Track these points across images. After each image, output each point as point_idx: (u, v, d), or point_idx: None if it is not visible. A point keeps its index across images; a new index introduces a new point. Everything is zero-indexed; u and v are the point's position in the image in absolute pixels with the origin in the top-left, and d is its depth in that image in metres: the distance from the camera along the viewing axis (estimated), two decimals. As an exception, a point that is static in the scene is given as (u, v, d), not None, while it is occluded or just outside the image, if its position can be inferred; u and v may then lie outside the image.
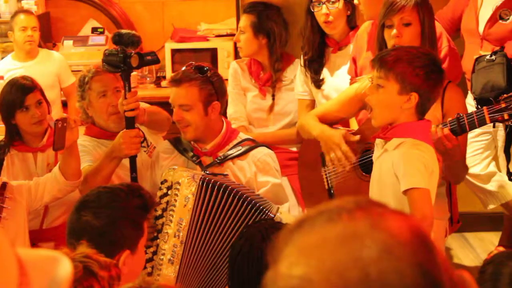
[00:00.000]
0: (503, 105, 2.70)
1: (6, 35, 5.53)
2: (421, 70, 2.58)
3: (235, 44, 5.37)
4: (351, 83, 3.58)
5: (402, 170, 2.57)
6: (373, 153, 2.88)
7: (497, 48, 3.98)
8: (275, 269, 0.88)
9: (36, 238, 3.35)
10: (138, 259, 2.21)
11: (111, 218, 2.18)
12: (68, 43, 5.85)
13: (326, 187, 3.15)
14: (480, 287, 1.54)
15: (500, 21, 4.11)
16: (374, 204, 0.90)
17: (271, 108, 4.23)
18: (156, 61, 3.36)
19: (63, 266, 1.13)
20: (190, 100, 3.22)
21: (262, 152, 3.29)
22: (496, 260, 1.59)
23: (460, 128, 2.78)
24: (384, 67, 2.62)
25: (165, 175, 3.15)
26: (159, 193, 3.12)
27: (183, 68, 3.29)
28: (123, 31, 3.36)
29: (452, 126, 2.78)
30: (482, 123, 2.75)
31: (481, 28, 4.17)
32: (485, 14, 4.17)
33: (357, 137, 3.03)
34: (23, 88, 3.49)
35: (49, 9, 5.94)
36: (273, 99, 4.21)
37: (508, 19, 4.10)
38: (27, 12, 5.45)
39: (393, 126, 2.63)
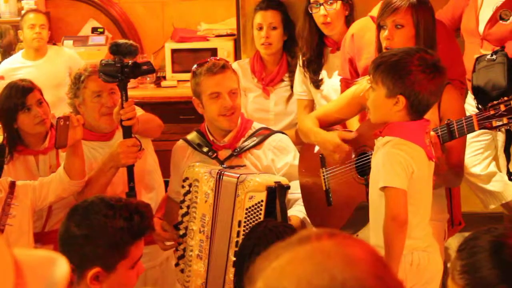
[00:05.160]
0: (491, 112, 2.68)
1: (5, 35, 5.54)
2: (405, 73, 2.58)
3: (235, 44, 5.37)
4: (341, 85, 3.58)
5: (381, 168, 2.60)
6: (368, 156, 2.90)
7: (497, 48, 3.98)
8: None
9: (39, 241, 3.34)
10: (118, 280, 2.14)
11: (88, 231, 2.14)
12: (68, 43, 5.85)
13: (324, 188, 3.15)
14: (459, 264, 1.59)
15: (501, 21, 4.11)
16: (339, 233, 1.05)
17: (289, 98, 4.22)
18: (152, 70, 3.40)
19: (60, 266, 1.12)
20: (238, 83, 3.34)
21: (277, 139, 3.35)
22: (472, 236, 1.62)
23: (450, 134, 2.78)
24: (372, 70, 2.66)
25: (185, 173, 3.22)
26: (182, 191, 3.20)
27: (210, 60, 3.32)
28: (120, 41, 3.36)
29: (442, 132, 2.78)
30: (471, 129, 2.75)
31: (481, 28, 4.17)
32: (485, 14, 4.17)
33: (354, 133, 3.03)
34: (23, 89, 3.49)
35: (49, 9, 5.94)
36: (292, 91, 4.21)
37: (508, 19, 4.10)
38: (36, 10, 5.51)
39: (387, 125, 2.65)
